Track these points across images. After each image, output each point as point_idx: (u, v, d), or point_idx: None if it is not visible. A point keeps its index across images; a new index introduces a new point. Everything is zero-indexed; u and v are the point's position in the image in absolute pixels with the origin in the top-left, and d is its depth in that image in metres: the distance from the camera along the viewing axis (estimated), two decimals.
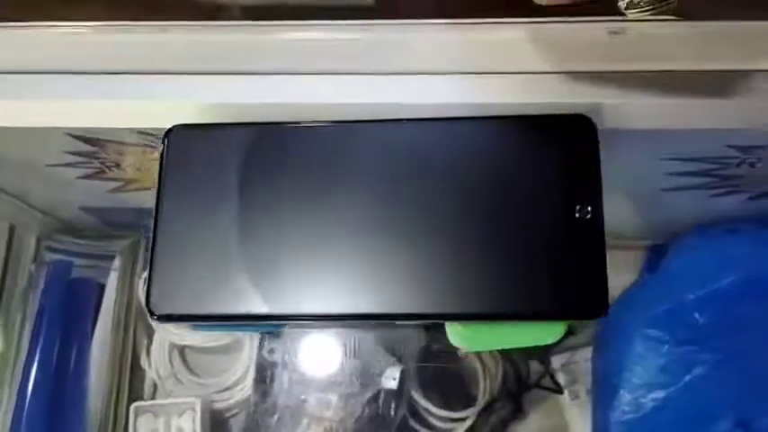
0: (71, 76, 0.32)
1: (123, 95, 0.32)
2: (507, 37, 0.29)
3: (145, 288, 0.26)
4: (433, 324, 0.26)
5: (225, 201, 0.26)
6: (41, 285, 0.52)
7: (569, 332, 0.50)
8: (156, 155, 0.40)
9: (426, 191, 0.25)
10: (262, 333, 0.48)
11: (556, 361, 0.51)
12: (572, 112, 0.26)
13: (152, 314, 0.25)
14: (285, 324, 0.28)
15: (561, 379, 0.51)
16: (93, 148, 0.40)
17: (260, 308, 0.25)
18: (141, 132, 0.38)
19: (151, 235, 0.27)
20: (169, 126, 0.28)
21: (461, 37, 0.29)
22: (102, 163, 0.43)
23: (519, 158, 0.25)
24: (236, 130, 0.27)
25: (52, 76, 0.32)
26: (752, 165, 0.38)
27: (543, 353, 0.51)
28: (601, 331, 0.50)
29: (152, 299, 0.26)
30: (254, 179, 0.26)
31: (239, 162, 0.26)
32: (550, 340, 0.26)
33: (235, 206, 0.26)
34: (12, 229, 0.55)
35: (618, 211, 0.49)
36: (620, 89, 0.27)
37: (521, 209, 0.25)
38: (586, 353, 0.51)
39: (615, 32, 0.28)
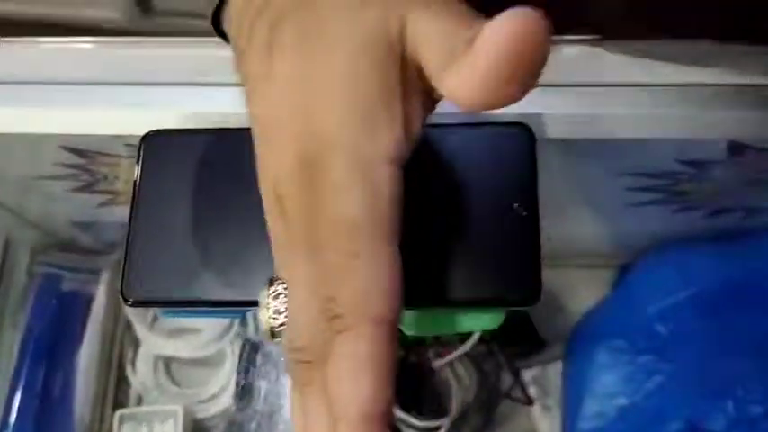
0: (59, 86, 0.35)
1: (110, 104, 0.35)
2: None
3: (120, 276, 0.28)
4: None
5: (194, 199, 0.29)
6: (32, 297, 0.54)
7: (541, 343, 0.53)
8: None
9: None
10: (230, 318, 0.51)
11: (527, 374, 0.53)
12: (512, 121, 0.28)
13: (126, 300, 0.28)
14: (245, 310, 0.30)
15: (533, 392, 0.53)
16: (83, 160, 0.43)
17: (222, 295, 0.27)
18: (128, 144, 0.40)
19: (127, 229, 0.29)
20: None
21: None
22: (92, 176, 0.45)
23: (463, 161, 0.28)
24: (202, 135, 0.30)
25: (41, 86, 0.35)
26: (700, 181, 0.41)
27: (515, 365, 0.52)
28: (570, 345, 0.52)
29: (125, 286, 0.28)
30: (220, 179, 0.29)
31: (206, 164, 0.29)
32: (491, 326, 0.28)
33: (203, 204, 0.28)
34: (6, 244, 0.57)
35: (589, 232, 0.52)
36: (558, 100, 0.30)
37: (463, 207, 0.27)
38: (558, 367, 0.53)
39: (555, 50, 0.30)
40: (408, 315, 0.28)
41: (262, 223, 0.28)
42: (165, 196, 0.29)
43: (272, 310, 0.23)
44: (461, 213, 0.27)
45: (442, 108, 0.26)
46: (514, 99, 0.19)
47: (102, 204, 0.51)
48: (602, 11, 0.30)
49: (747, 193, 0.42)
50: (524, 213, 0.27)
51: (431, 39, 0.20)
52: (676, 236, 0.50)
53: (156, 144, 0.30)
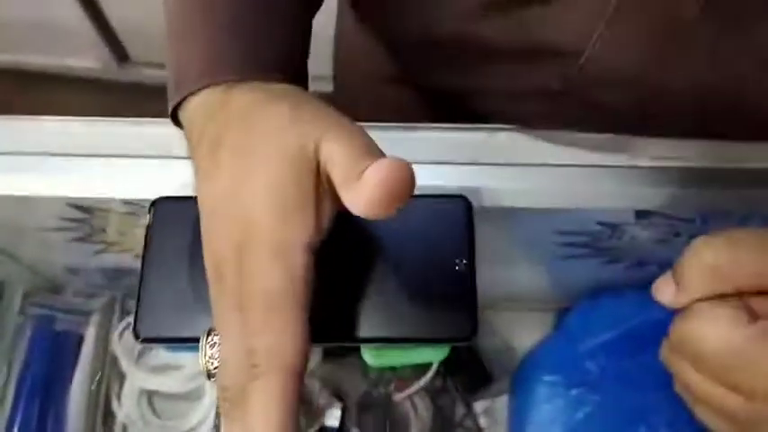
0: (80, 158, 0.41)
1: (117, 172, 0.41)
2: (422, 136, 0.39)
3: (132, 319, 0.34)
4: (355, 346, 0.34)
5: (193, 254, 0.35)
6: (28, 337, 0.59)
7: (490, 379, 0.59)
8: (138, 221, 0.49)
9: (354, 250, 0.34)
10: None
11: (478, 406, 0.59)
12: (455, 194, 0.35)
13: (137, 337, 0.34)
14: None
15: (483, 422, 0.59)
16: (86, 215, 0.49)
17: None
18: (127, 202, 0.46)
19: (139, 278, 0.35)
20: (153, 197, 0.37)
21: (409, 135, 0.39)
22: (91, 227, 0.51)
23: (415, 225, 0.35)
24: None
25: (64, 157, 0.41)
26: (618, 239, 0.48)
27: (466, 398, 0.59)
28: (515, 379, 0.58)
29: (138, 326, 0.34)
30: None
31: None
32: (439, 358, 0.34)
33: (201, 258, 0.34)
34: (1, 285, 0.62)
35: (532, 281, 0.59)
36: (493, 177, 0.37)
37: (416, 261, 0.34)
38: (505, 399, 0.59)
39: (490, 136, 0.38)
40: (373, 349, 0.35)
41: None
42: (169, 251, 0.35)
43: (208, 355, 0.29)
44: (413, 267, 0.34)
45: None
46: (389, 214, 0.27)
47: (97, 252, 0.56)
48: (529, 108, 0.38)
49: (658, 250, 0.50)
50: (464, 267, 0.34)
51: (337, 161, 0.27)
52: (606, 284, 0.57)
53: (163, 208, 0.36)
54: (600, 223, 0.46)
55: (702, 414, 0.29)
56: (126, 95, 1.53)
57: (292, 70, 0.33)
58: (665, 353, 0.30)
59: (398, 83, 0.44)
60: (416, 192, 0.36)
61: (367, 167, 0.26)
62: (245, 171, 0.28)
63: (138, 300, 0.34)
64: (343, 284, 0.33)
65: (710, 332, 0.27)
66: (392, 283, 0.33)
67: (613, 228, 0.47)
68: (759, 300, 0.27)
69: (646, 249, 0.50)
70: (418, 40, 0.40)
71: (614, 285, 0.57)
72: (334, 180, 0.27)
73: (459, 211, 0.35)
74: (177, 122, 0.34)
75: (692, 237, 0.47)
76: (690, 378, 0.29)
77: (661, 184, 0.40)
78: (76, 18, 1.32)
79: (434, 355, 0.35)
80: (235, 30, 0.32)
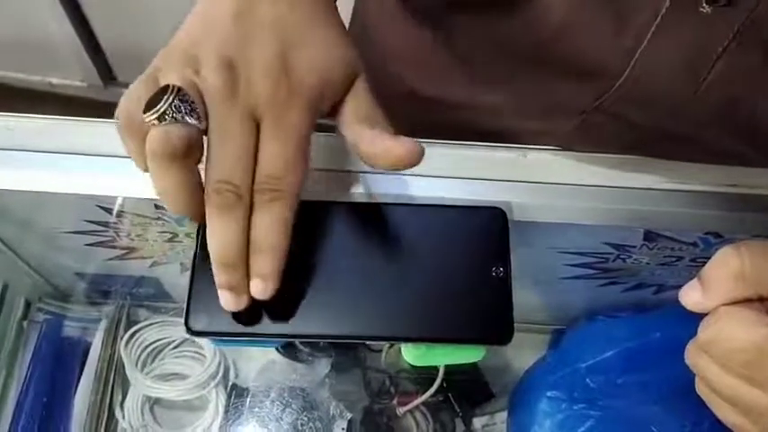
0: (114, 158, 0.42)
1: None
2: (461, 154, 0.42)
3: (183, 312, 0.35)
4: (395, 343, 0.36)
5: None
6: (33, 342, 0.59)
7: (490, 395, 0.61)
8: (162, 227, 0.50)
9: (401, 254, 0.36)
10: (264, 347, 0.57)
11: (477, 422, 0.61)
12: (492, 206, 0.38)
13: (189, 329, 0.35)
14: (278, 341, 0.37)
15: None
16: (113, 218, 0.50)
17: (258, 329, 0.35)
18: (158, 207, 0.48)
19: (189, 276, 0.36)
20: None
21: (448, 152, 0.42)
22: (116, 232, 0.52)
23: (459, 233, 0.37)
24: None
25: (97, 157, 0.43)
26: (623, 260, 0.51)
27: (467, 414, 0.60)
28: (514, 396, 0.60)
29: (189, 320, 0.35)
30: None
31: None
32: (475, 359, 0.36)
33: None
34: (4, 288, 0.61)
35: (531, 303, 0.62)
36: (523, 193, 0.40)
37: (457, 268, 0.36)
38: (503, 416, 0.61)
39: (523, 155, 0.41)
40: (415, 350, 0.37)
41: (303, 271, 0.36)
42: None
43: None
44: (454, 273, 0.36)
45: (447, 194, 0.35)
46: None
47: (111, 259, 0.57)
48: (562, 130, 0.41)
49: (657, 273, 0.53)
50: (501, 274, 0.36)
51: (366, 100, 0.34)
52: (600, 307, 0.60)
53: None
54: (606, 243, 0.49)
55: (727, 414, 0.31)
56: (109, 116, 1.53)
57: None
58: (691, 355, 0.33)
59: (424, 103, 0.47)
60: (465, 202, 0.38)
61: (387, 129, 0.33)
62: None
63: (189, 296, 0.36)
64: (392, 288, 0.35)
65: (738, 332, 0.30)
66: (437, 289, 0.36)
67: (619, 249, 0.50)
68: None
69: (646, 272, 0.53)
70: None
71: (607, 308, 0.60)
72: (351, 111, 0.33)
73: (497, 222, 0.37)
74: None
75: (693, 260, 0.51)
76: (717, 378, 0.31)
77: (674, 205, 0.43)
78: (66, 36, 1.32)
79: (471, 356, 0.37)
80: None
